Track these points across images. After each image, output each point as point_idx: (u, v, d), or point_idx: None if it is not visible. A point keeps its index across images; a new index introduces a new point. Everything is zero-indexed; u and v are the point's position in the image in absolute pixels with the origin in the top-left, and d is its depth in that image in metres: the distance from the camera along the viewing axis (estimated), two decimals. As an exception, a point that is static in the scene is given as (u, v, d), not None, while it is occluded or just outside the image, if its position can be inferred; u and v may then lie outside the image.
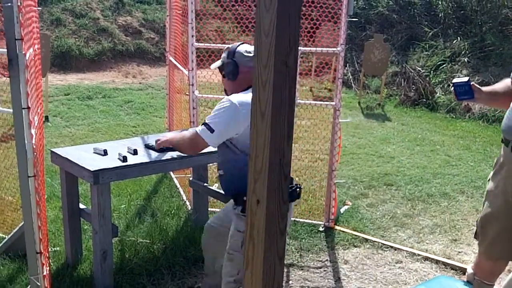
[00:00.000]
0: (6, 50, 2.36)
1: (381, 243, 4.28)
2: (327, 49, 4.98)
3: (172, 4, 5.49)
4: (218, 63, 3.01)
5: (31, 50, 2.64)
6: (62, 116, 7.97)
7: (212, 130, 2.70)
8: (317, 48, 4.83)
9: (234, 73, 2.85)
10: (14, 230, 3.76)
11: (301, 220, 4.60)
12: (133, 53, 11.51)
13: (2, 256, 3.70)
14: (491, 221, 2.94)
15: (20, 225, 3.73)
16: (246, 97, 2.72)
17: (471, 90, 2.87)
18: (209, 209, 4.40)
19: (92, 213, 3.23)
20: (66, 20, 11.38)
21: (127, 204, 4.73)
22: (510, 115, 2.74)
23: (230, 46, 2.98)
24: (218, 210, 4.61)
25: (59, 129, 7.36)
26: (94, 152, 3.37)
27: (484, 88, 2.98)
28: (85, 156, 3.28)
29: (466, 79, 2.90)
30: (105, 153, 3.32)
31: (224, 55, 2.96)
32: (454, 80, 2.94)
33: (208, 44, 4.74)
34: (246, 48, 2.89)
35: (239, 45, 2.93)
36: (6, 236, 3.88)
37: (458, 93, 2.90)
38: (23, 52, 2.28)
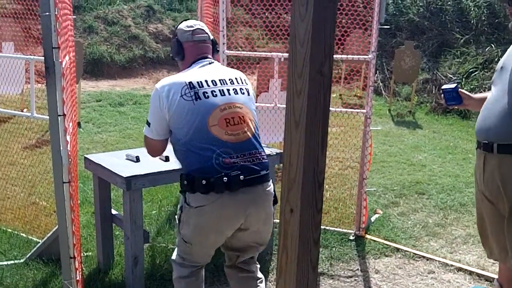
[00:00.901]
0: (43, 58, 2.41)
1: (413, 253, 4.22)
2: (358, 56, 4.95)
3: (203, 12, 5.54)
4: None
5: (67, 58, 2.69)
6: (94, 122, 8.09)
7: (149, 124, 2.63)
8: (348, 56, 4.80)
9: (179, 52, 2.72)
10: (48, 235, 3.82)
11: (331, 228, 4.57)
12: (163, 60, 11.64)
13: (36, 260, 3.77)
14: (480, 220, 3.01)
15: (54, 229, 3.79)
16: (172, 78, 2.63)
17: (459, 96, 3.07)
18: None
19: (124, 219, 3.26)
20: (98, 27, 11.58)
21: (158, 210, 4.77)
22: (478, 118, 2.89)
23: None
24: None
25: (91, 135, 7.47)
26: (126, 159, 3.41)
27: (475, 95, 3.24)
28: (118, 162, 3.33)
29: (454, 85, 3.09)
30: (137, 159, 3.36)
31: None
32: (443, 86, 3.14)
33: (239, 52, 4.77)
34: (187, 24, 2.77)
35: (181, 22, 2.83)
36: (40, 241, 3.95)
37: (447, 98, 3.10)
38: (60, 60, 2.33)
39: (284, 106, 4.61)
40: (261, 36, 11.08)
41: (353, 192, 5.15)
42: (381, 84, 11.16)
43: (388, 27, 9.08)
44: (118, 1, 12.51)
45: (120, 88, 10.20)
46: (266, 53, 4.78)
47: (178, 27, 2.78)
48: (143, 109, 8.98)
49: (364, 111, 4.38)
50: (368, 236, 4.46)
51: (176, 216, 2.71)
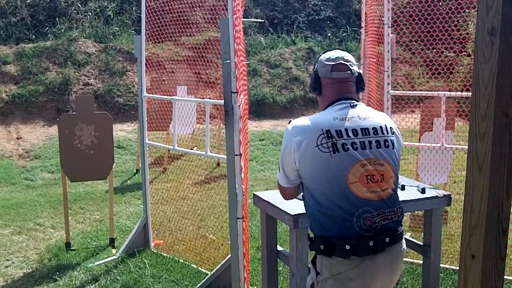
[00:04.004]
0: (218, 100, 2.61)
1: None
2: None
3: (366, 52, 5.58)
4: None
5: (242, 101, 2.88)
6: (257, 161, 8.43)
7: (280, 169, 2.40)
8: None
9: (317, 87, 2.42)
10: (217, 267, 4.03)
11: (509, 277, 4.23)
12: (323, 100, 11.83)
13: (205, 290, 3.99)
14: None
15: (222, 262, 3.99)
16: (308, 122, 2.30)
17: None
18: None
19: (290, 256, 3.33)
20: (261, 70, 12.15)
21: (319, 249, 4.80)
22: None
23: None
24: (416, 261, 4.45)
25: (254, 172, 7.79)
26: (293, 197, 3.51)
27: None
28: (285, 200, 3.42)
29: None
30: (303, 198, 3.43)
31: None
32: None
33: (404, 92, 4.71)
34: (328, 56, 2.42)
35: (324, 53, 2.50)
36: (209, 272, 4.18)
37: None
38: (238, 104, 2.51)
39: (451, 146, 4.44)
40: (421, 74, 10.83)
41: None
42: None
43: None
44: (280, 44, 13.04)
45: (282, 128, 10.54)
46: (432, 92, 4.66)
47: (320, 57, 2.47)
48: (303, 148, 9.17)
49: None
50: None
51: None
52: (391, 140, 2.33)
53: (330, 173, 2.21)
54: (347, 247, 2.19)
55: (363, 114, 2.33)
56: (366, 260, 2.22)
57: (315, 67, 2.43)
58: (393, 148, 2.33)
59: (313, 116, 2.36)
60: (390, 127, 2.37)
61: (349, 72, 2.36)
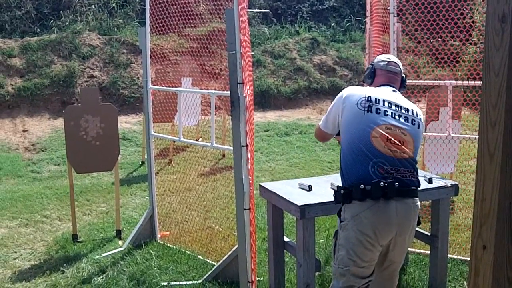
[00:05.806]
0: (223, 92, 2.60)
1: None
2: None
3: (371, 41, 5.54)
4: None
5: (248, 91, 2.86)
6: (262, 152, 8.42)
7: (325, 116, 3.01)
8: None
9: (371, 76, 3.10)
10: (224, 258, 4.03)
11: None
12: (327, 90, 11.78)
13: (212, 281, 3.99)
14: None
15: (229, 253, 3.99)
16: (357, 88, 2.91)
17: None
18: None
19: (297, 247, 3.33)
20: (265, 61, 12.10)
21: (326, 239, 4.80)
22: None
23: None
24: (418, 250, 4.45)
25: (259, 163, 7.78)
26: (299, 187, 3.50)
27: None
28: (292, 191, 3.42)
29: None
30: (309, 188, 3.43)
31: None
32: None
33: (410, 81, 4.68)
34: (386, 56, 3.19)
35: (379, 55, 3.26)
36: (215, 263, 4.18)
37: None
38: (244, 95, 2.49)
39: (458, 135, 4.42)
40: (427, 64, 10.77)
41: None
42: None
43: None
44: (284, 35, 12.98)
45: (286, 119, 10.52)
46: (439, 81, 4.62)
47: (377, 56, 3.20)
48: (308, 138, 9.15)
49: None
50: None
51: (331, 249, 2.87)
52: (417, 121, 2.85)
53: (359, 127, 2.72)
54: (362, 186, 2.60)
55: (401, 97, 2.94)
56: (379, 203, 2.61)
57: (372, 63, 3.13)
58: (418, 127, 2.83)
59: (364, 87, 2.97)
60: (419, 114, 2.90)
61: (398, 69, 3.08)
